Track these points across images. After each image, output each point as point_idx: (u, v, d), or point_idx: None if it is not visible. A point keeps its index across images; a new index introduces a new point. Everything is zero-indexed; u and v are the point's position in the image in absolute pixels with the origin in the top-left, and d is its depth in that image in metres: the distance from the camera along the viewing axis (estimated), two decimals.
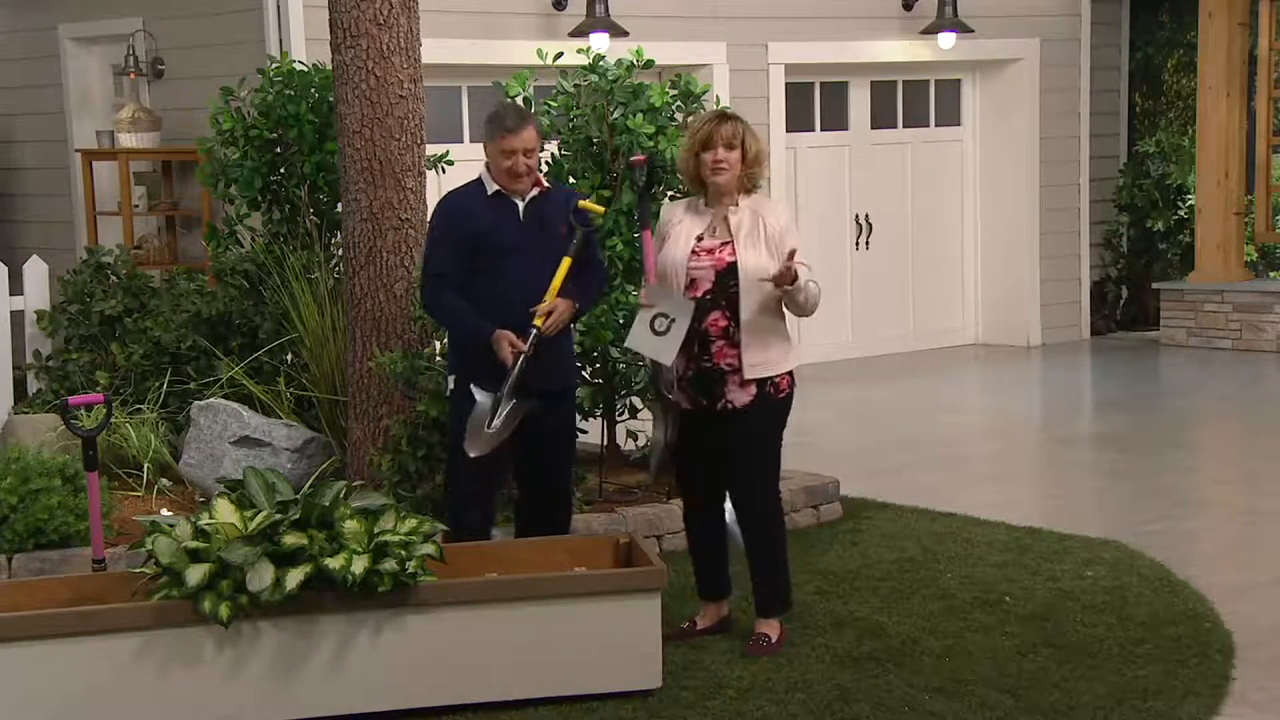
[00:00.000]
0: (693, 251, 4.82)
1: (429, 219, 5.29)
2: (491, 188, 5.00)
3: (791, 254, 4.69)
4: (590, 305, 5.22)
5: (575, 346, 6.24)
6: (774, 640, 4.94)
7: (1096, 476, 7.73)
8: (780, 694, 4.58)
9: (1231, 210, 11.02)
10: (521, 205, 5.00)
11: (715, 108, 5.40)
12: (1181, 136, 11.64)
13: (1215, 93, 10.93)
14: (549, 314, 4.86)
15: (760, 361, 4.80)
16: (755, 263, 4.77)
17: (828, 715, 4.44)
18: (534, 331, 4.84)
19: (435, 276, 5.00)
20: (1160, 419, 8.88)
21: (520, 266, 4.91)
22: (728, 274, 4.79)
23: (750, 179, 4.87)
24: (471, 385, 4.87)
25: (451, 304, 4.98)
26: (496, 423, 4.83)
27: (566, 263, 4.93)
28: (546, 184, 5.10)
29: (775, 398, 4.86)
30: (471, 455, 4.85)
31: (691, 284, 4.81)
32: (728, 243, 4.82)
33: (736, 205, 4.85)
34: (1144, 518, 6.58)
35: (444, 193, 5.17)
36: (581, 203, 5.40)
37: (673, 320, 4.73)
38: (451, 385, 5.05)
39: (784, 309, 4.86)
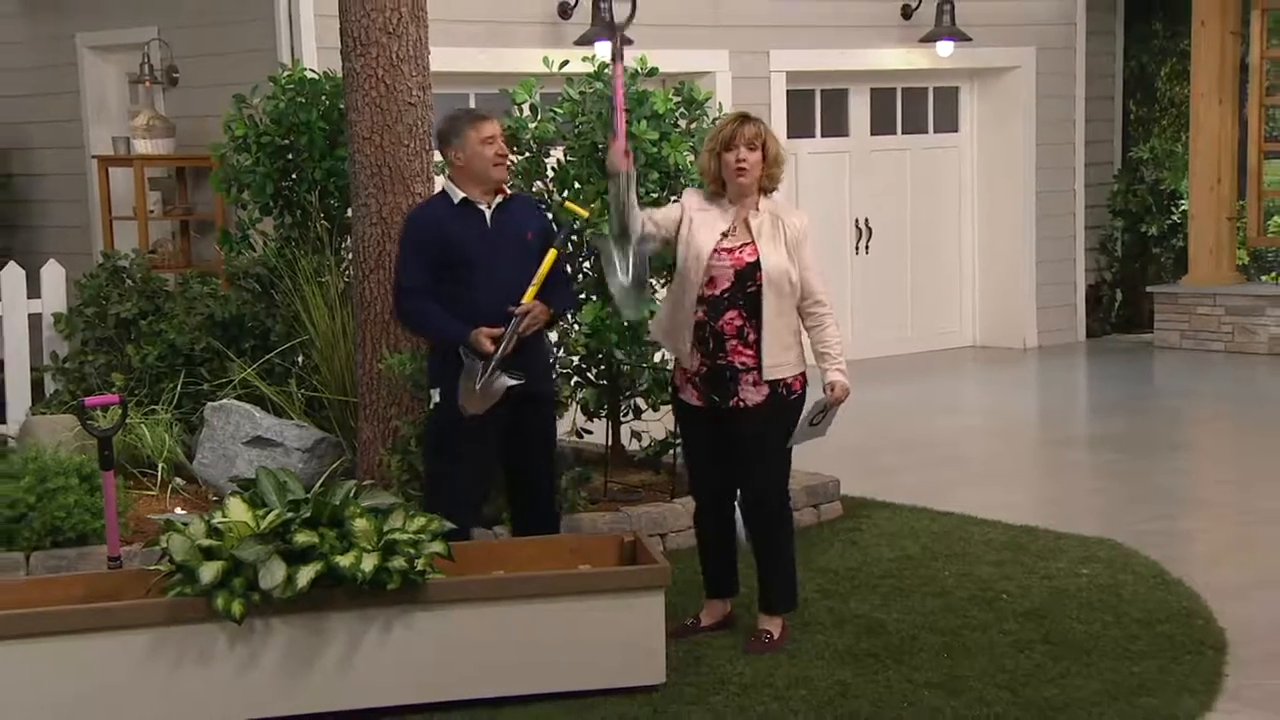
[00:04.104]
0: (713, 249, 4.81)
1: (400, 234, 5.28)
2: (458, 196, 4.99)
3: (831, 395, 4.78)
4: (563, 313, 5.23)
5: (580, 348, 6.27)
6: (775, 637, 4.93)
7: (1092, 476, 7.71)
8: (782, 690, 4.57)
9: (1224, 215, 11.00)
10: (488, 212, 4.99)
11: (728, 112, 5.39)
12: (1175, 143, 11.62)
13: (1208, 100, 10.91)
14: (527, 313, 4.86)
15: (778, 363, 4.80)
16: (776, 263, 4.78)
17: (828, 711, 4.43)
18: (514, 321, 4.83)
19: (408, 290, 4.99)
20: (1154, 420, 8.86)
21: (490, 273, 4.90)
22: (746, 274, 4.78)
23: (770, 179, 4.88)
24: (460, 350, 4.86)
25: (425, 311, 4.97)
26: (479, 383, 4.82)
27: (552, 255, 4.93)
28: (508, 191, 5.10)
29: (787, 398, 4.85)
30: (468, 413, 4.85)
31: (710, 281, 4.80)
32: (748, 244, 4.81)
33: (757, 209, 4.85)
34: (1139, 517, 6.57)
35: None
36: (566, 203, 5.39)
37: (823, 411, 4.78)
38: (436, 398, 5.02)
39: (797, 313, 4.86)
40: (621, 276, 4.78)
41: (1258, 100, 10.88)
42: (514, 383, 4.84)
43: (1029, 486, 7.52)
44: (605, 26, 5.10)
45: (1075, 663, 4.76)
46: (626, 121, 4.96)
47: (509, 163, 6.35)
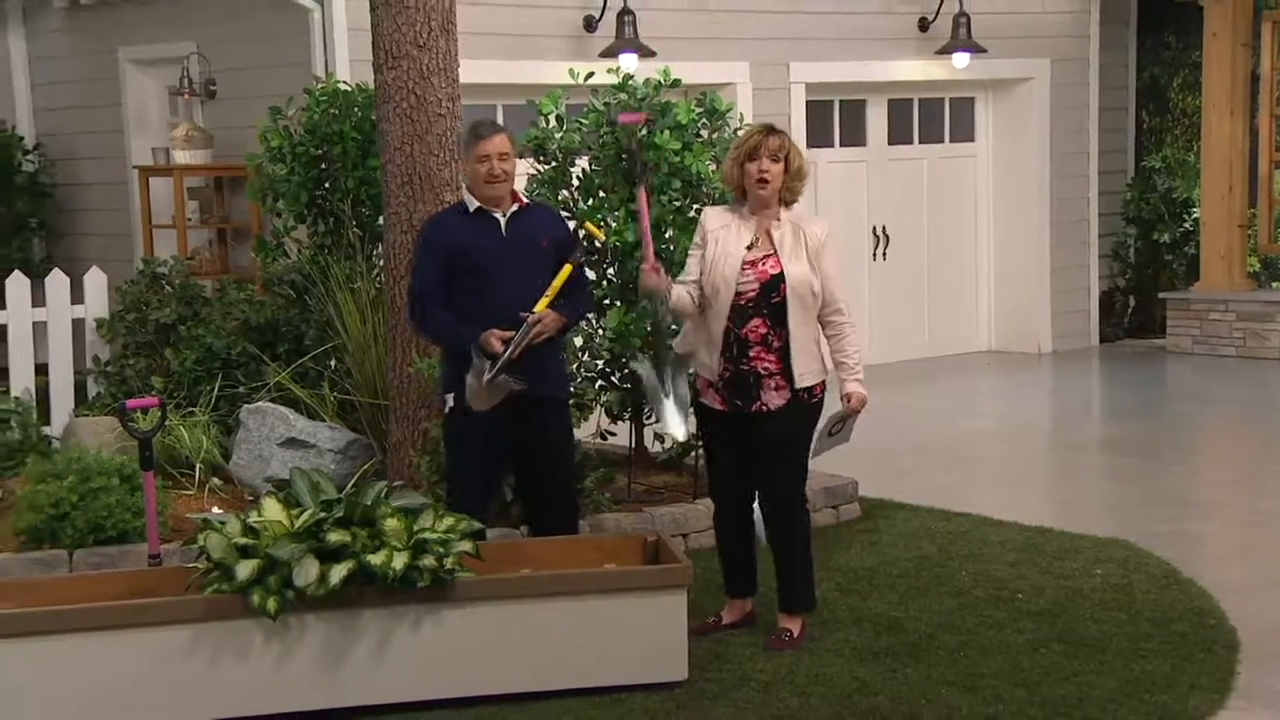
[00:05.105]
0: (740, 269, 4.78)
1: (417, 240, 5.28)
2: (472, 205, 4.99)
3: (848, 406, 4.82)
4: (575, 323, 5.21)
5: (605, 353, 6.26)
6: (795, 635, 4.92)
7: (1105, 479, 7.67)
8: (801, 686, 4.56)
9: (1235, 223, 10.94)
10: (503, 220, 4.97)
11: (750, 123, 5.39)
12: (1187, 152, 11.56)
13: (1219, 110, 10.85)
14: (538, 321, 4.84)
15: (807, 371, 4.80)
16: (799, 275, 4.77)
17: (847, 707, 4.41)
18: (525, 327, 4.80)
19: (420, 294, 4.99)
20: (1167, 424, 8.81)
21: (502, 281, 4.89)
22: (771, 285, 4.77)
23: (791, 191, 4.86)
24: (470, 349, 4.84)
25: (436, 317, 4.96)
26: (488, 377, 4.80)
27: (567, 269, 4.91)
28: (525, 199, 5.09)
29: (808, 402, 4.84)
30: (474, 410, 4.83)
31: (737, 294, 4.79)
32: (770, 255, 4.80)
33: (779, 220, 4.84)
34: (1151, 518, 6.53)
35: None
36: (586, 224, 5.38)
37: (841, 422, 4.79)
38: (450, 403, 5.01)
39: (820, 322, 4.85)
40: (664, 397, 4.87)
41: (1268, 110, 10.81)
42: (517, 387, 4.82)
43: (1043, 488, 7.48)
44: (633, 165, 5.19)
45: (1089, 661, 4.74)
46: (648, 217, 5.04)
47: (536, 172, 6.38)
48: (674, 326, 4.97)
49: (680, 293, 4.85)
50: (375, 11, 5.87)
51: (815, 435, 4.83)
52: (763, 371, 4.80)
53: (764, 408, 4.82)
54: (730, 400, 4.86)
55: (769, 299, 4.78)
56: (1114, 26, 11.52)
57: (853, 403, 4.79)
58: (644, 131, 5.20)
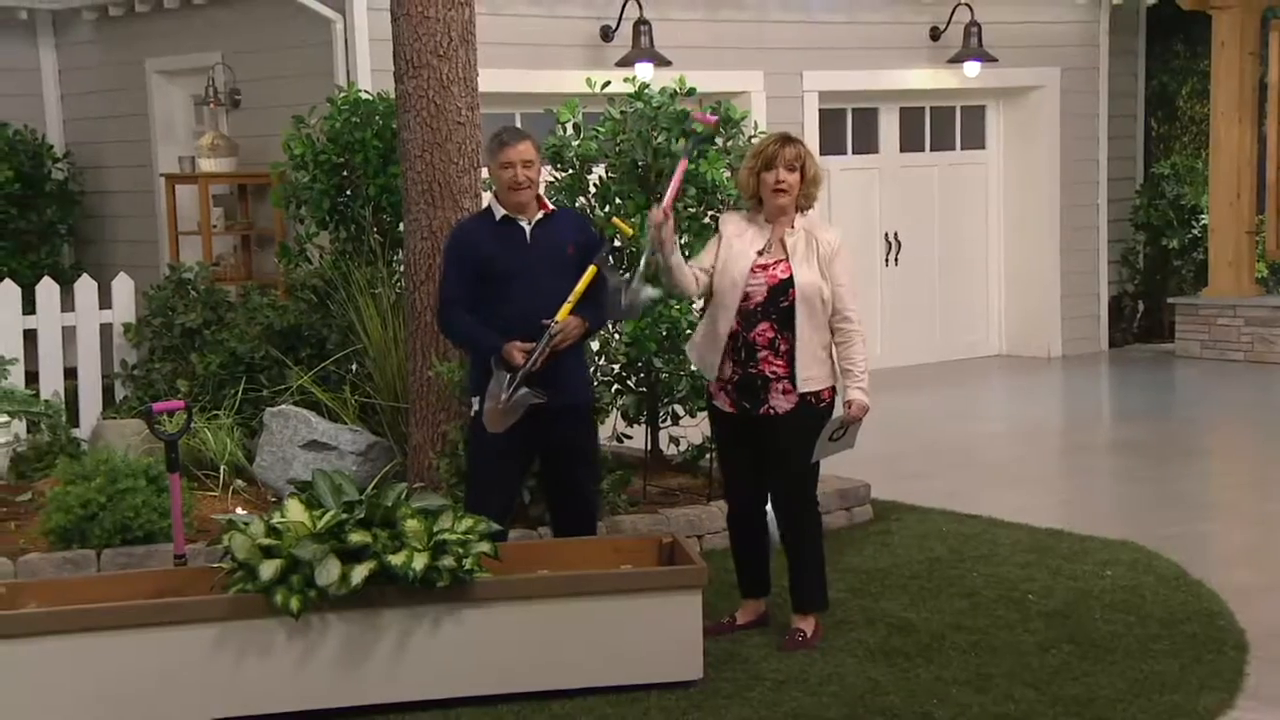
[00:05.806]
0: (748, 273, 4.78)
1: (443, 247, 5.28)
2: (499, 213, 4.96)
3: (849, 413, 4.75)
4: (598, 326, 5.16)
5: (621, 357, 6.26)
6: (809, 635, 4.91)
7: (1115, 481, 7.64)
8: (815, 686, 4.55)
9: (1243, 229, 10.89)
10: (528, 228, 4.95)
11: (766, 131, 5.38)
12: (1195, 159, 11.51)
13: (1227, 118, 10.81)
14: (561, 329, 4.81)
15: (810, 376, 4.78)
16: (809, 280, 4.76)
17: (860, 707, 4.40)
18: (546, 336, 4.78)
19: (447, 302, 4.98)
20: (1175, 427, 8.77)
21: (527, 288, 4.86)
22: (779, 289, 4.77)
23: (807, 198, 4.86)
24: (491, 361, 4.83)
25: (463, 323, 4.95)
26: (503, 398, 4.78)
27: (591, 271, 4.88)
28: (552, 206, 5.07)
29: (816, 406, 4.83)
30: (490, 431, 4.82)
31: (746, 297, 4.79)
32: (781, 260, 4.80)
33: (793, 227, 4.83)
34: (1160, 521, 6.50)
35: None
36: (614, 220, 5.37)
37: (842, 428, 4.77)
38: (475, 406, 4.99)
39: (829, 329, 4.83)
40: (618, 309, 4.89)
41: (1276, 118, 10.76)
42: (537, 400, 4.81)
43: (1053, 491, 7.45)
44: (700, 144, 5.22)
45: (1099, 661, 4.71)
46: (678, 194, 5.04)
47: (554, 179, 6.38)
48: (651, 294, 4.91)
49: (682, 263, 4.82)
50: (396, 22, 5.88)
51: (817, 439, 4.81)
52: (770, 375, 4.79)
53: (771, 411, 4.81)
54: (739, 403, 4.86)
55: (777, 303, 4.77)
56: (1123, 35, 11.49)
57: (854, 410, 4.77)
58: (718, 141, 5.23)
